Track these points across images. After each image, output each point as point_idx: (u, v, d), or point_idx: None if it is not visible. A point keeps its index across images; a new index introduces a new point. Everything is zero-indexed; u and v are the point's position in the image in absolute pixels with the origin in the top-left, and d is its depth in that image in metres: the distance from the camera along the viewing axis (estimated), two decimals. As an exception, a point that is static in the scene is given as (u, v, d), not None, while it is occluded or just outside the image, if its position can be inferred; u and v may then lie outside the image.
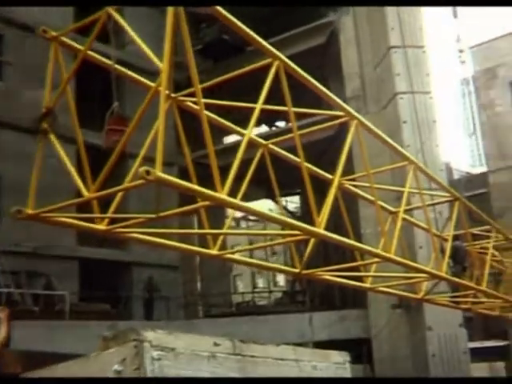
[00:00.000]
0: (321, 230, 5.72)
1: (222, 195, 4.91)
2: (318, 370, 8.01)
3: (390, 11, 25.31)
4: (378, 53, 26.93)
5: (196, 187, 4.84)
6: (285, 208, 32.57)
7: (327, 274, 7.89)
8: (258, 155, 6.84)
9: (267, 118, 33.41)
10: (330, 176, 6.84)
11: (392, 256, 6.88)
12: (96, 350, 6.11)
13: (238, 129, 6.30)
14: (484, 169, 46.08)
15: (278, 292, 42.97)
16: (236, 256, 6.96)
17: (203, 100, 5.32)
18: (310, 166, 6.72)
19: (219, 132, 22.52)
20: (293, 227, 5.81)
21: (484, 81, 44.29)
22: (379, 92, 26.34)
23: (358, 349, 25.25)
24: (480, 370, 29.11)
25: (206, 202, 5.65)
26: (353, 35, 28.29)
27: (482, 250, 11.09)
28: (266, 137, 7.33)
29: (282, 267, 7.94)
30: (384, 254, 6.81)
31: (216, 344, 6.61)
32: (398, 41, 25.19)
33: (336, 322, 26.37)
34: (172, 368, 6.11)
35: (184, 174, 7.07)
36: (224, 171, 5.19)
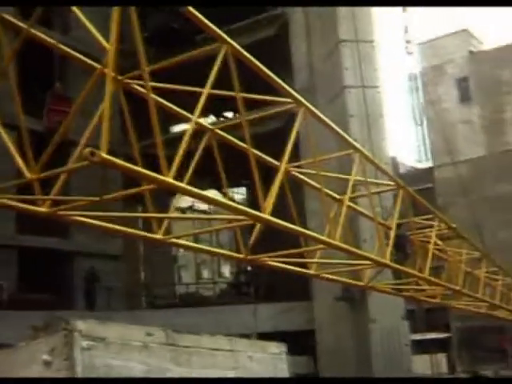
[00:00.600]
0: (266, 215, 5.78)
1: (168, 178, 4.91)
2: (254, 360, 8.11)
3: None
4: (327, 46, 27.11)
5: (141, 170, 4.83)
6: (231, 199, 32.59)
7: (272, 260, 7.95)
8: (205, 140, 6.84)
9: (215, 107, 33.33)
10: (276, 163, 6.90)
11: (336, 242, 7.00)
12: (26, 340, 6.06)
13: (185, 113, 6.29)
14: (430, 164, 47.08)
15: (223, 283, 43.10)
16: (181, 241, 6.96)
17: (150, 83, 5.29)
18: (256, 152, 6.77)
19: (166, 122, 22.41)
20: (239, 212, 5.85)
21: (432, 77, 45.20)
22: (328, 85, 26.56)
23: (302, 341, 25.52)
24: (422, 361, 29.80)
25: (151, 186, 5.63)
26: (303, 28, 28.40)
27: (425, 239, 11.36)
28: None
29: (228, 252, 7.95)
30: (328, 240, 6.92)
31: (148, 334, 6.62)
32: (348, 35, 25.43)
33: (280, 314, 26.59)
34: (102, 358, 6.11)
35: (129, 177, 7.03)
36: (171, 161, 5.19)
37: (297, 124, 6.21)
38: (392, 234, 9.15)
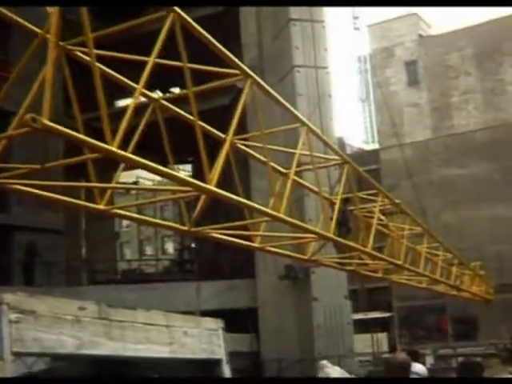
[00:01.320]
0: (211, 187, 5.79)
1: (111, 147, 4.88)
2: (190, 335, 8.18)
3: (291, -16, 25.48)
4: (277, 24, 27.10)
5: (84, 137, 4.77)
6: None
7: (216, 232, 7.98)
8: (149, 110, 6.77)
9: (162, 82, 32.96)
10: (222, 135, 6.92)
11: (281, 215, 7.06)
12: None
13: (130, 83, 6.22)
14: (376, 146, 47.73)
15: (167, 260, 43.04)
16: (124, 212, 6.90)
17: (95, 51, 5.20)
18: (203, 124, 6.76)
19: (111, 96, 22.13)
20: (184, 183, 5.85)
21: (380, 59, 45.66)
22: (277, 64, 26.58)
23: (246, 318, 25.75)
24: (363, 340, 30.41)
25: (94, 155, 5.57)
26: (253, 8, 28.30)
27: (368, 214, 11.56)
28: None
29: (171, 224, 7.91)
30: (273, 212, 6.98)
31: (81, 308, 6.60)
32: (298, 14, 25.47)
33: (224, 292, 26.72)
34: (31, 331, 6.07)
35: (72, 146, 6.91)
36: (116, 135, 5.13)
37: (243, 96, 6.21)
38: (336, 208, 9.27)
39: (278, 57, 26.81)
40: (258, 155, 8.36)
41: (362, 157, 44.00)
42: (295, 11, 25.72)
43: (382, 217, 12.40)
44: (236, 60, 6.02)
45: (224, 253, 30.61)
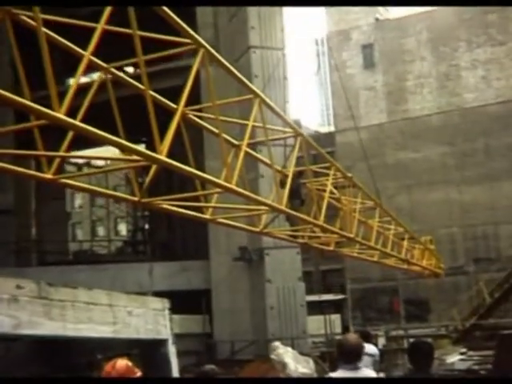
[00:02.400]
0: (162, 157, 5.67)
1: (59, 114, 4.71)
2: (134, 315, 8.06)
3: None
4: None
5: (31, 103, 4.60)
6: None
7: (167, 204, 7.83)
8: (99, 80, 6.57)
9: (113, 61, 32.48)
10: (174, 105, 6.77)
11: (233, 186, 6.95)
12: None
13: (78, 49, 6.02)
14: (332, 129, 47.95)
15: (119, 241, 42.66)
16: (73, 182, 6.68)
17: (42, 15, 4.99)
18: (154, 94, 6.61)
19: (62, 74, 21.65)
20: (134, 152, 5.70)
21: (337, 42, 45.73)
22: (233, 44, 26.41)
23: (199, 300, 25.72)
24: (317, 322, 30.64)
25: (41, 121, 5.38)
26: (210, -21, 28.01)
27: (321, 187, 11.59)
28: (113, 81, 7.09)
29: (121, 194, 7.71)
30: (225, 183, 6.87)
31: (19, 286, 6.41)
32: (255, -3, 25.30)
33: (177, 273, 26.63)
34: (-36, 310, 5.94)
35: (21, 118, 6.72)
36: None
37: (195, 65, 6.08)
38: (288, 180, 9.22)
39: (234, 37, 26.64)
40: (210, 127, 8.24)
41: (318, 139, 44.08)
42: (252, -9, 25.52)
43: (335, 190, 12.44)
44: (188, 29, 5.90)
45: (177, 234, 30.49)
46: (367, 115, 43.83)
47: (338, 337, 27.32)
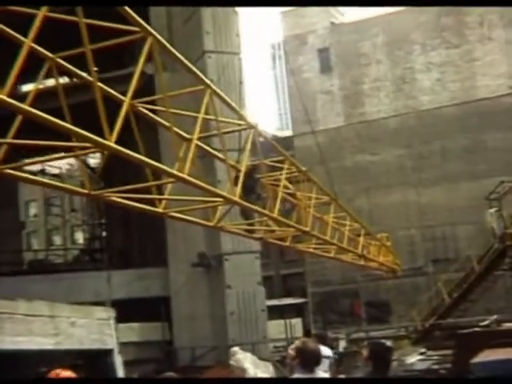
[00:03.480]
0: (111, 144, 5.52)
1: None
2: (78, 326, 7.89)
3: (203, -34, 25.14)
4: (187, 8, 26.72)
5: None
6: (84, 162, 31.56)
7: (117, 196, 7.60)
8: (45, 68, 6.32)
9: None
10: (122, 97, 6.63)
11: (184, 175, 6.78)
12: None
13: (20, 36, 5.73)
14: (290, 132, 48.03)
15: (76, 250, 42.03)
16: (20, 173, 6.42)
17: None
18: (102, 85, 6.45)
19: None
20: (84, 139, 5.51)
21: (293, 46, 45.88)
22: (188, 48, 26.18)
23: (158, 307, 25.45)
24: (277, 326, 30.55)
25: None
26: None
27: (275, 183, 11.47)
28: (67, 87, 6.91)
29: (71, 187, 7.45)
30: (178, 173, 6.71)
31: None
32: (210, 1, 25.19)
33: (135, 281, 26.33)
34: None
35: None
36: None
37: (143, 53, 5.93)
38: (242, 172, 9.11)
39: (189, 41, 26.44)
40: (161, 120, 8.09)
41: (277, 143, 44.12)
42: (206, -6, 25.40)
43: (290, 185, 12.37)
44: (138, 18, 5.78)
45: (135, 241, 30.16)
46: (324, 119, 44.04)
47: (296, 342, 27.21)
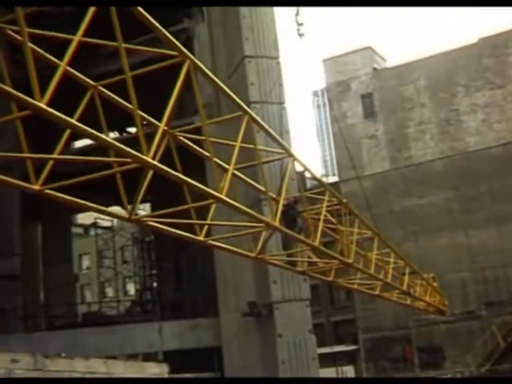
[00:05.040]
0: (148, 158, 5.64)
1: (41, 103, 4.68)
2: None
3: (245, 21, 25.85)
4: (232, 62, 27.37)
5: (9, 88, 4.61)
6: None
7: (156, 221, 7.69)
8: (87, 97, 6.51)
9: (118, 122, 32.97)
10: (158, 123, 6.90)
11: (223, 196, 6.82)
12: None
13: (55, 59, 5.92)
14: (336, 178, 48.14)
15: (128, 301, 42.43)
16: (59, 194, 6.44)
17: (27, 29, 4.99)
18: (142, 113, 6.65)
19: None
20: (121, 152, 5.63)
21: (336, 93, 46.33)
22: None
23: (210, 357, 25.52)
24: (330, 374, 30.30)
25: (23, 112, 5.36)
26: (207, 43, 28.56)
27: (316, 217, 11.26)
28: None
29: (109, 210, 7.34)
30: (216, 193, 6.78)
31: (14, 360, 6.45)
32: (252, 51, 25.77)
33: (187, 331, 26.45)
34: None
35: None
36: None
37: (181, 76, 6.11)
38: (281, 199, 9.15)
39: (234, 93, 26.95)
40: (199, 148, 8.21)
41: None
42: (249, 48, 26.02)
43: (331, 218, 12.21)
44: (175, 40, 5.98)
45: (186, 292, 30.41)
46: (370, 164, 44.13)
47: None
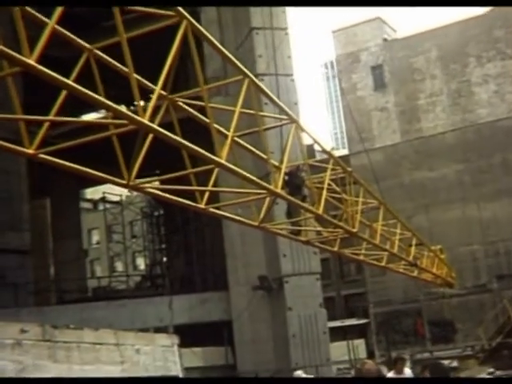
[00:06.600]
0: (145, 120, 5.50)
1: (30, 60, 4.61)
2: (142, 353, 8.04)
3: (252, -8, 25.55)
4: (240, 34, 27.12)
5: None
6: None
7: (156, 187, 7.56)
8: (82, 61, 6.36)
9: (127, 95, 32.78)
10: (163, 92, 6.76)
11: (224, 162, 6.66)
12: None
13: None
14: (346, 151, 47.96)
15: (138, 276, 42.69)
16: (55, 159, 6.33)
17: None
18: (138, 77, 6.55)
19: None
20: (116, 113, 5.47)
21: (346, 65, 45.98)
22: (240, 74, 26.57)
23: (221, 331, 25.65)
24: (340, 348, 30.40)
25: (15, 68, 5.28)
26: (215, 15, 28.29)
27: (320, 185, 10.88)
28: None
29: (109, 176, 7.05)
30: (218, 159, 6.62)
31: (23, 331, 6.43)
32: (261, 22, 25.50)
33: (197, 305, 26.57)
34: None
35: None
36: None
37: (178, 38, 5.99)
38: (283, 166, 8.96)
39: (241, 65, 26.74)
40: (199, 115, 8.04)
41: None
42: (257, 19, 25.77)
43: (336, 187, 12.00)
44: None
45: (195, 266, 30.50)
46: (381, 136, 43.89)
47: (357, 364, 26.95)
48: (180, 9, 6.09)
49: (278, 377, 22.35)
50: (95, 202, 53.11)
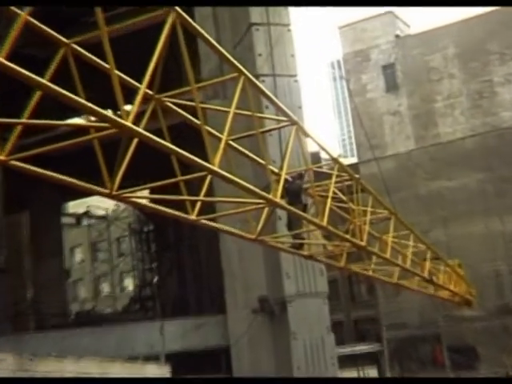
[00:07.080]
0: (128, 123, 5.54)
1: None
2: None
3: (251, -15, 25.58)
4: (238, 31, 27.12)
5: None
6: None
7: (142, 197, 7.54)
8: (61, 53, 6.34)
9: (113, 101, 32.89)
10: (149, 92, 6.75)
11: (217, 169, 6.63)
12: None
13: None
14: (355, 159, 47.97)
15: (125, 298, 42.64)
16: (26, 165, 6.31)
17: None
18: (120, 74, 6.56)
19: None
20: (99, 116, 5.54)
21: (355, 64, 46.04)
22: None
23: (218, 358, 25.58)
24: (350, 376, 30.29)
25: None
26: (210, 11, 28.34)
27: (325, 194, 10.85)
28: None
29: (90, 185, 6.93)
30: (212, 166, 6.61)
31: None
32: (260, 17, 25.45)
33: (191, 330, 26.50)
34: None
35: None
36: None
37: (165, 30, 6.00)
38: (283, 172, 8.90)
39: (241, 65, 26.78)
40: (188, 115, 8.04)
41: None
42: (257, 14, 25.74)
43: (342, 196, 11.90)
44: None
45: (189, 287, 30.47)
46: (393, 143, 43.93)
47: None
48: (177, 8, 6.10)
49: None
50: (78, 217, 53.02)
